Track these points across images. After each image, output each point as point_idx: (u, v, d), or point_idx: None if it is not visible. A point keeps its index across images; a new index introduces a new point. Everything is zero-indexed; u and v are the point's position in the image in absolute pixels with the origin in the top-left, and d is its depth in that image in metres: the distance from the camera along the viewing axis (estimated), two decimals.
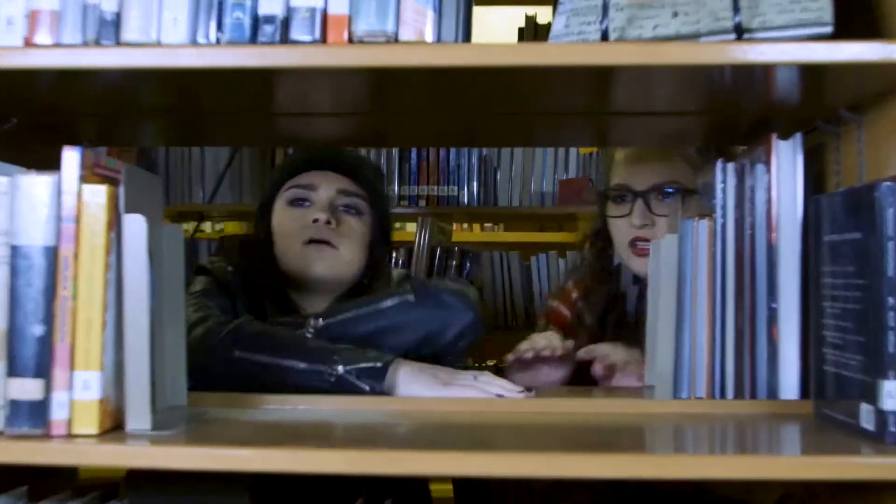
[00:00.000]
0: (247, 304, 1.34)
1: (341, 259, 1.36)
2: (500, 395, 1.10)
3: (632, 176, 1.45)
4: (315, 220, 1.35)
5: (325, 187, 1.39)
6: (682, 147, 1.44)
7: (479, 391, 1.11)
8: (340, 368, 1.14)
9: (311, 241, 1.35)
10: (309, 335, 1.23)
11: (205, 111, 1.15)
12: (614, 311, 1.51)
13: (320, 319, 1.25)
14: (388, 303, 1.26)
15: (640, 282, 1.47)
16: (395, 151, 3.02)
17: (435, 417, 1.01)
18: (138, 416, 0.84)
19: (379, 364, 1.14)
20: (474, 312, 1.28)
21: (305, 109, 1.13)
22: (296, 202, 1.39)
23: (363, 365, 1.14)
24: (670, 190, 1.42)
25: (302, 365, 1.15)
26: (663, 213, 1.42)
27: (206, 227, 4.44)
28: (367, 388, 1.13)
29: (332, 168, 1.40)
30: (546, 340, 1.34)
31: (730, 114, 1.13)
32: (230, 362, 1.17)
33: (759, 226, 1.04)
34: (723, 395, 1.04)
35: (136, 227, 0.84)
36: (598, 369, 1.28)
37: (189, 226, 3.50)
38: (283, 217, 1.39)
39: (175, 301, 0.94)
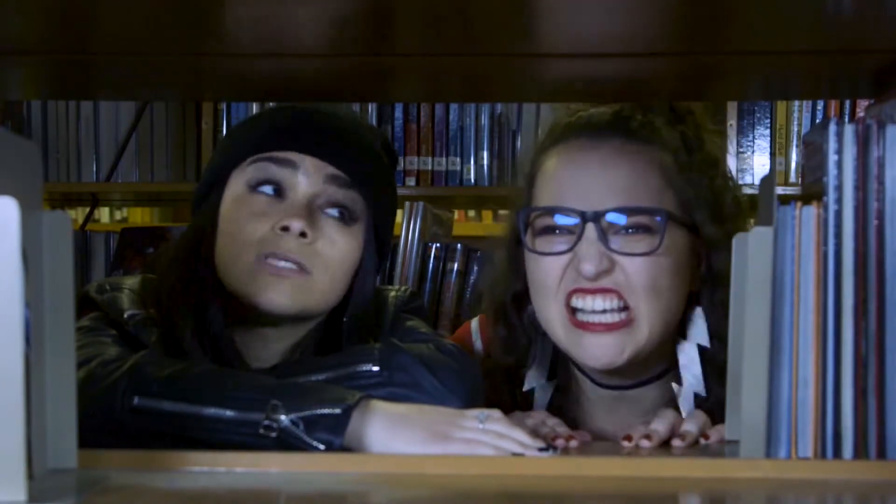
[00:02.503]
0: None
1: (312, 288, 1.31)
2: (516, 454, 1.10)
3: (577, 190, 1.33)
4: (284, 228, 1.29)
5: (310, 173, 1.32)
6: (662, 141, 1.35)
7: (487, 447, 1.11)
8: (284, 418, 1.14)
9: (272, 257, 1.29)
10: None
11: (98, 47, 1.15)
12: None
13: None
14: (359, 368, 1.27)
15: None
16: (372, 108, 3.02)
17: (426, 484, 1.01)
18: (8, 484, 0.84)
19: (338, 410, 1.14)
20: (461, 400, 1.25)
21: (245, 48, 1.13)
22: (263, 185, 1.32)
23: (316, 411, 1.14)
24: (651, 217, 1.32)
25: (229, 414, 1.15)
26: (631, 250, 1.31)
27: (103, 214, 4.46)
28: (322, 445, 1.12)
29: (322, 154, 1.33)
30: (549, 428, 1.29)
31: (849, 54, 1.14)
32: (127, 414, 1.17)
33: (891, 214, 1.04)
34: (837, 453, 1.04)
35: (2, 214, 0.84)
36: (677, 443, 1.26)
37: (79, 213, 3.50)
38: (237, 205, 1.32)
39: (60, 322, 0.95)
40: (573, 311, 1.33)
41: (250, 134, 1.37)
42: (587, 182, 1.34)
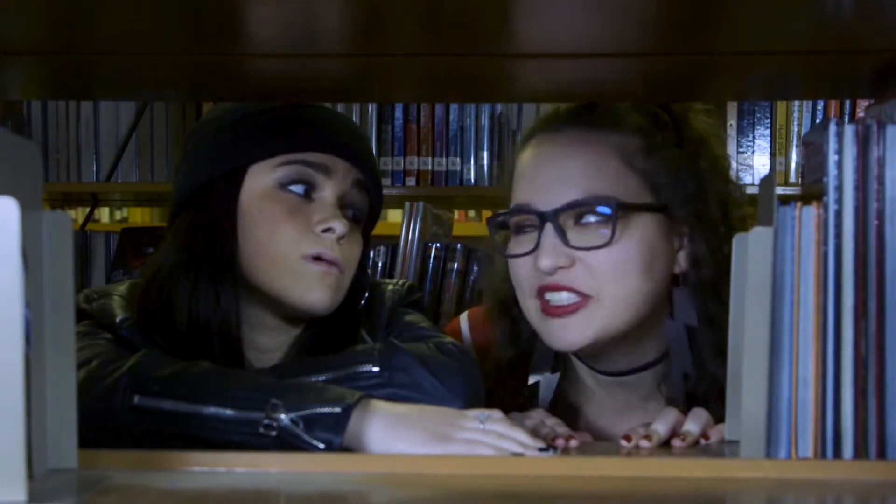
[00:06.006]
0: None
1: (341, 288, 1.34)
2: (516, 454, 1.11)
3: (535, 189, 1.36)
4: (327, 230, 1.31)
5: (341, 177, 1.34)
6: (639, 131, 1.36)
7: (487, 448, 1.12)
8: (284, 417, 1.14)
9: (319, 257, 1.30)
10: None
11: (98, 47, 1.15)
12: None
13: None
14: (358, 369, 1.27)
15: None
16: (371, 108, 3.02)
17: (426, 484, 1.01)
18: (8, 484, 0.84)
19: (337, 409, 1.14)
20: (462, 401, 1.25)
21: (245, 49, 1.13)
22: (294, 185, 1.33)
23: (316, 410, 1.14)
24: (602, 210, 1.32)
25: (229, 413, 1.15)
26: (588, 244, 1.32)
27: (103, 214, 4.46)
28: (321, 444, 1.13)
29: (352, 159, 1.36)
30: (549, 429, 1.28)
31: (849, 54, 1.14)
32: (126, 413, 1.17)
33: (891, 214, 1.04)
34: (837, 453, 1.04)
35: (2, 214, 0.84)
36: (677, 444, 1.26)
37: (79, 213, 3.50)
38: (266, 203, 1.32)
39: (60, 322, 0.95)
40: (546, 301, 1.35)
41: (276, 131, 1.35)
42: (545, 178, 1.35)
